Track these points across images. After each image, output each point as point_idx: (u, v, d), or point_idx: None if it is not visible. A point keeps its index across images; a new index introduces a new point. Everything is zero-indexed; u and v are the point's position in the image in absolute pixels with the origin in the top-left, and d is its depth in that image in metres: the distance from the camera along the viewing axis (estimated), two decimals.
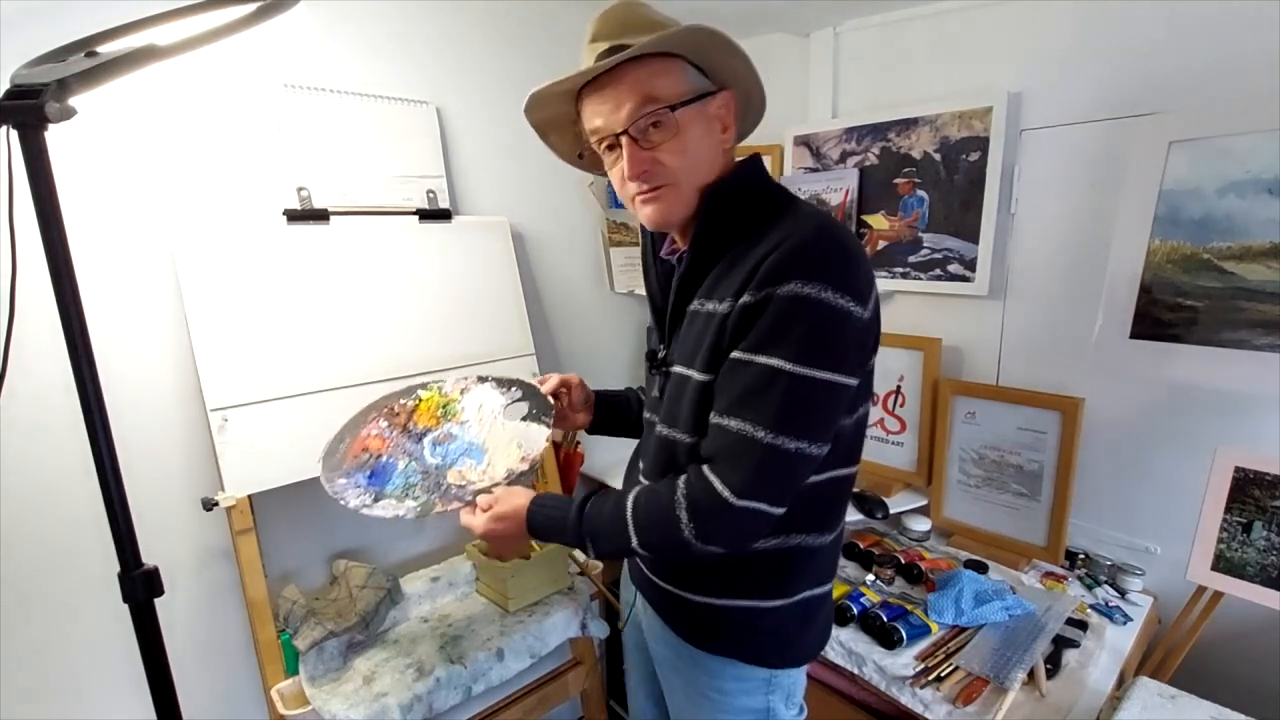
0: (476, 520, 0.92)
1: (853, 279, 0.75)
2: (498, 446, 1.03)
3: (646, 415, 0.99)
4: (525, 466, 0.99)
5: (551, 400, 1.08)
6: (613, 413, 1.15)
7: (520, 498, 0.91)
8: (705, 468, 0.78)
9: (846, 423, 0.84)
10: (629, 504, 0.83)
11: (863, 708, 1.34)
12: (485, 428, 1.07)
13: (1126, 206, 1.39)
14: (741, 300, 0.76)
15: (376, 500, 0.96)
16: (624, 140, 0.81)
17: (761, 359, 0.75)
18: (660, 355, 0.94)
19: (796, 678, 0.98)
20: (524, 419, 1.06)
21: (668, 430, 0.88)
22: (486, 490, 0.95)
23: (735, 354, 0.77)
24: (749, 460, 0.75)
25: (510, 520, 0.90)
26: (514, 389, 1.12)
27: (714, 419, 0.79)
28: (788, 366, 0.73)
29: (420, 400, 1.12)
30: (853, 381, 0.79)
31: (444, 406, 1.11)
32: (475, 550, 1.50)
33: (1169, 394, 1.41)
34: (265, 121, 1.32)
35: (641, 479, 0.96)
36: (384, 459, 1.02)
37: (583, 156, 0.94)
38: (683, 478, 0.80)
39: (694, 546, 0.77)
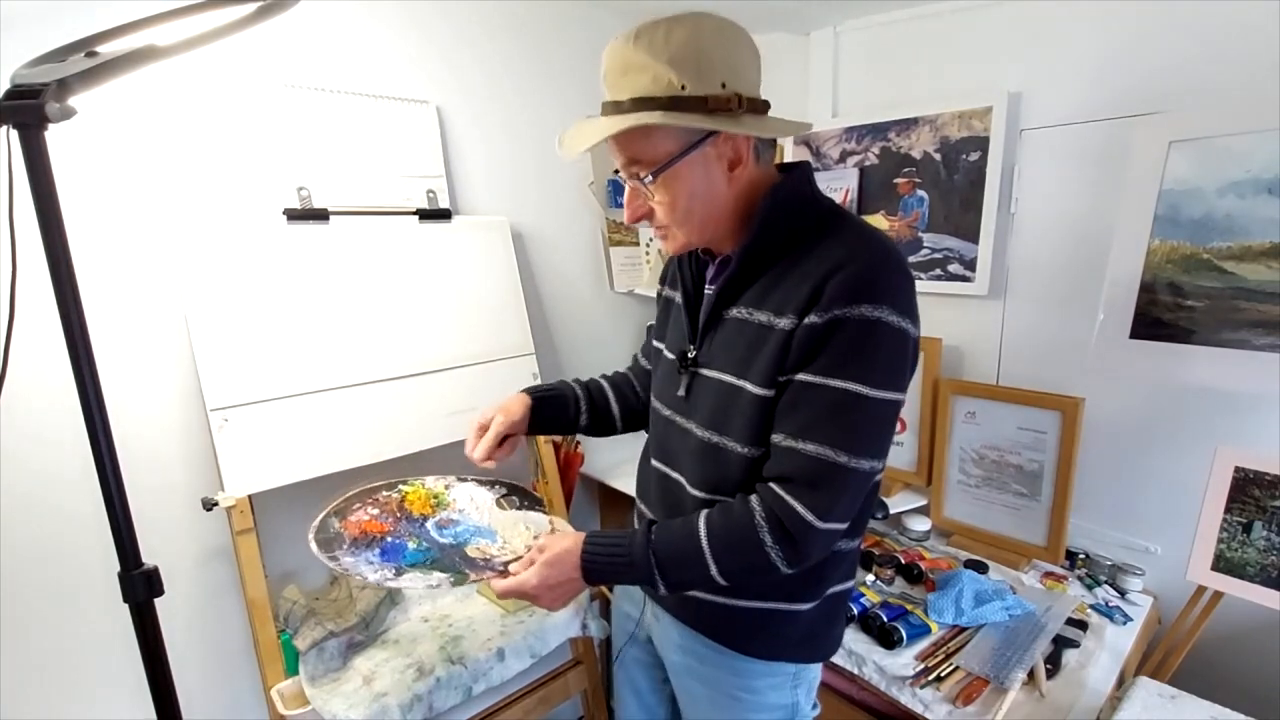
0: (524, 576, 0.86)
1: (910, 301, 0.78)
2: (506, 529, 1.05)
3: (666, 413, 0.98)
4: (542, 543, 1.00)
5: (539, 495, 1.12)
6: (552, 417, 1.11)
7: (569, 540, 0.87)
8: (780, 490, 0.78)
9: None
10: (702, 532, 0.81)
11: (863, 708, 1.34)
12: (485, 515, 1.09)
13: (1126, 206, 1.39)
14: (808, 320, 0.76)
15: (399, 574, 0.95)
16: (627, 184, 0.86)
17: (836, 383, 0.76)
18: (691, 355, 0.93)
19: (817, 672, 0.99)
20: (518, 509, 1.11)
21: (717, 437, 0.87)
22: (514, 560, 0.93)
23: (805, 376, 0.77)
24: (831, 484, 0.76)
25: (565, 564, 0.85)
26: (497, 486, 1.16)
27: (785, 441, 0.78)
28: (864, 390, 0.75)
29: (405, 493, 1.12)
30: (904, 399, 0.81)
31: (435, 498, 1.12)
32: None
33: (1169, 394, 1.41)
34: (265, 121, 1.32)
35: (689, 487, 0.92)
36: (389, 540, 1.02)
37: None
38: (755, 500, 0.79)
39: (779, 570, 0.78)
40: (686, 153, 0.80)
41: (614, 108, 0.80)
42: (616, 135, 0.80)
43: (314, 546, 0.98)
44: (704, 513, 0.83)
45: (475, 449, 1.02)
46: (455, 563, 0.97)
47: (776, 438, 0.80)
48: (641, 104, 0.77)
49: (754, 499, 0.80)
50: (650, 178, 0.82)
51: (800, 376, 0.78)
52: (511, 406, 1.05)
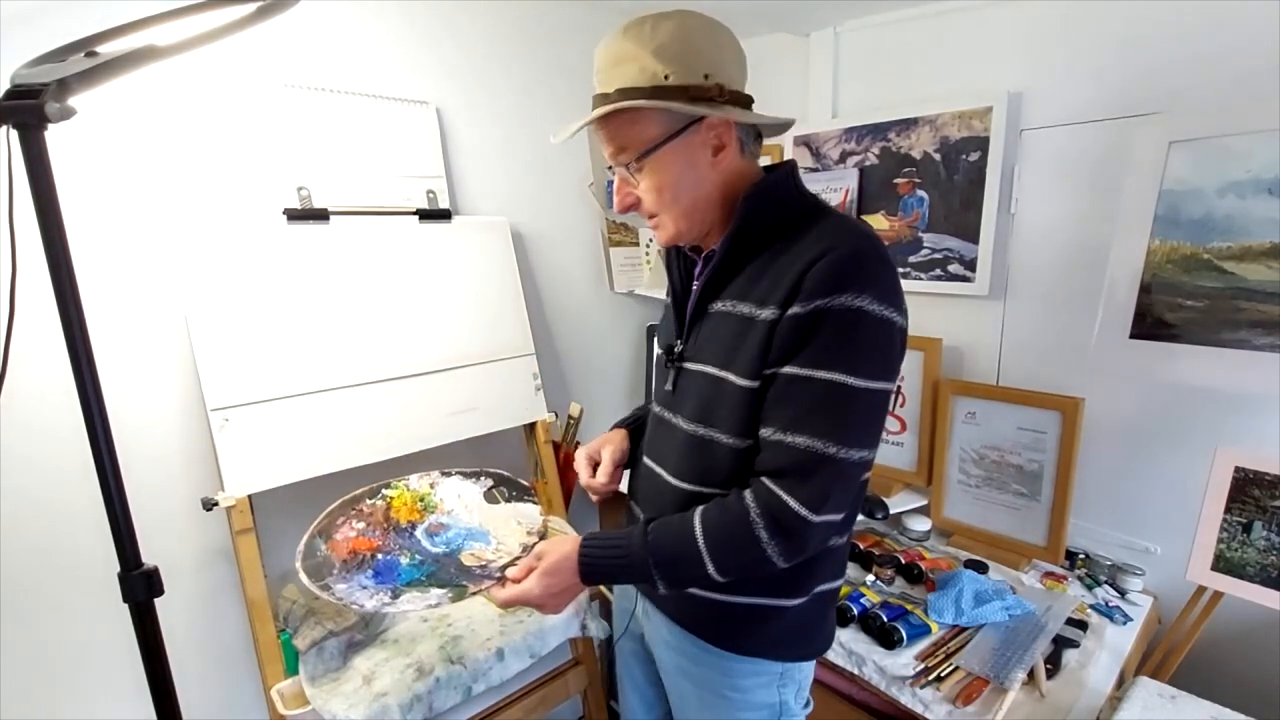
0: (527, 586, 0.86)
1: (893, 289, 0.79)
2: (498, 526, 1.03)
3: (656, 409, 0.98)
4: (535, 539, 0.99)
5: (526, 484, 1.11)
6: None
7: (567, 544, 0.87)
8: (773, 484, 0.78)
9: None
10: (697, 531, 0.81)
11: (863, 708, 1.34)
12: (475, 514, 1.07)
13: (1126, 206, 1.39)
14: (791, 311, 0.77)
15: (396, 596, 0.91)
16: (616, 174, 0.88)
17: (822, 374, 0.76)
18: (677, 350, 0.93)
19: (807, 672, 0.99)
20: (507, 502, 1.09)
21: (704, 429, 0.87)
22: (511, 564, 0.92)
23: (791, 369, 0.78)
24: (822, 476, 0.76)
25: (564, 571, 0.86)
26: (483, 478, 1.14)
27: (774, 435, 0.79)
28: (851, 381, 0.76)
29: (390, 499, 1.09)
30: (894, 386, 0.82)
31: (421, 500, 1.09)
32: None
33: (1169, 394, 1.41)
34: (265, 121, 1.32)
35: (669, 478, 0.92)
36: (380, 557, 0.98)
37: None
38: (749, 494, 0.79)
39: (775, 564, 0.79)
40: (671, 139, 0.82)
41: (602, 99, 0.83)
42: (605, 124, 0.83)
43: (304, 577, 0.95)
44: (699, 510, 0.83)
45: (597, 476, 1.01)
46: (452, 575, 0.94)
47: (765, 431, 0.80)
48: (627, 93, 0.80)
49: (748, 494, 0.80)
50: (635, 163, 0.84)
51: (786, 369, 0.78)
52: (614, 437, 1.06)
